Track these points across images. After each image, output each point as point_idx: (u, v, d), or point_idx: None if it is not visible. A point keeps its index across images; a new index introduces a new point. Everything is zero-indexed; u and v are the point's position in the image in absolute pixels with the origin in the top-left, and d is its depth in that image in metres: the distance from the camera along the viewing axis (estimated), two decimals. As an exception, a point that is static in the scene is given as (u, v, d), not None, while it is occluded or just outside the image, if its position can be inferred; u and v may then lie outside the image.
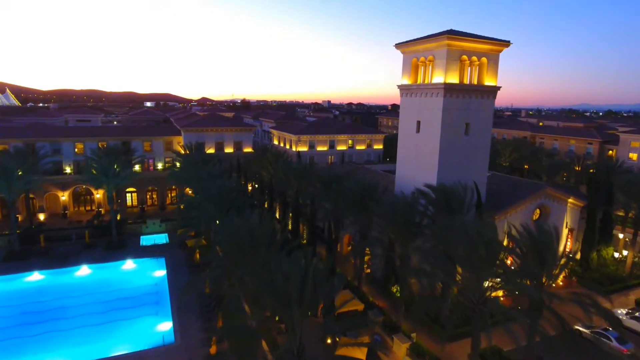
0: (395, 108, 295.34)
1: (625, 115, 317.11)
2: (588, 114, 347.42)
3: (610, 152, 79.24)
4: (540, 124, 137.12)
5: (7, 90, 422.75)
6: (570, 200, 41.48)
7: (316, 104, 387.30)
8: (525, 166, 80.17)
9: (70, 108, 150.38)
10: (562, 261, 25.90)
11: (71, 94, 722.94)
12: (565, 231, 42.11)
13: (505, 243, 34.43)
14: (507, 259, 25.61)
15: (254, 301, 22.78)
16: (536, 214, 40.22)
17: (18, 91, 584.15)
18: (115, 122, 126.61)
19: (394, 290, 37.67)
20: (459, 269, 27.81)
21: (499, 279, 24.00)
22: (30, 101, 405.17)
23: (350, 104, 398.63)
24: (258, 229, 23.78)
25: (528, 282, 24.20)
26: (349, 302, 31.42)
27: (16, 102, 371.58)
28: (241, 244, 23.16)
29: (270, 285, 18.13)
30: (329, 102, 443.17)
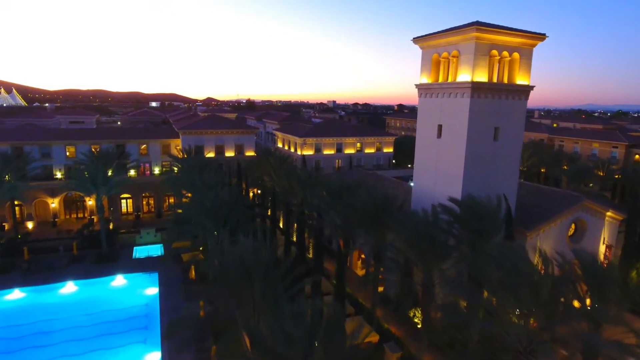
0: (402, 108, 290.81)
1: (636, 115, 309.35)
2: (596, 114, 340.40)
3: (637, 156, 74.29)
4: (555, 125, 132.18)
5: (14, 90, 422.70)
6: (608, 213, 36.98)
7: (321, 104, 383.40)
8: (542, 170, 75.59)
9: (67, 108, 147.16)
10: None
11: (78, 94, 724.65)
12: (602, 248, 37.64)
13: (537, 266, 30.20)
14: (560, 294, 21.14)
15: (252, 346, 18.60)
16: (571, 230, 35.81)
17: (25, 91, 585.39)
18: (119, 122, 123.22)
19: (411, 314, 33.52)
20: (487, 294, 23.75)
21: (549, 321, 19.66)
22: (37, 101, 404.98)
23: (356, 104, 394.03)
24: (252, 257, 19.56)
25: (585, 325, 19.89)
26: (362, 334, 27.19)
27: (22, 102, 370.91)
28: (232, 276, 19.05)
29: (267, 344, 14.08)
30: (334, 102, 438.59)
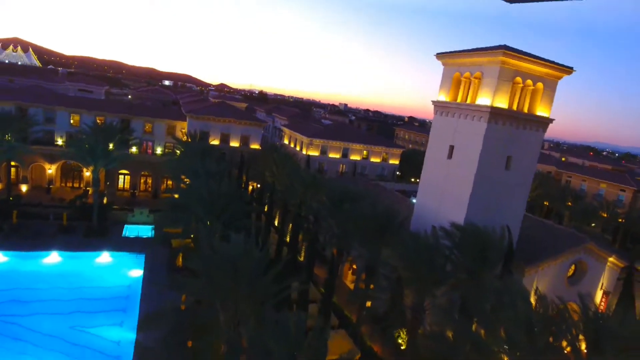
0: (412, 120, 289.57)
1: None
2: (605, 153, 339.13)
3: (644, 202, 73.29)
4: (563, 159, 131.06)
5: (30, 49, 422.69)
6: (610, 259, 36.05)
7: (333, 105, 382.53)
8: (545, 203, 74.59)
9: (80, 74, 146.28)
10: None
11: (92, 62, 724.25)
12: (599, 293, 36.69)
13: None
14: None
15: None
16: (570, 270, 34.87)
17: (41, 52, 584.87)
18: (129, 97, 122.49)
19: (396, 334, 32.54)
20: (475, 327, 22.94)
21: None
22: (52, 64, 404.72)
23: (367, 110, 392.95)
24: (242, 259, 18.66)
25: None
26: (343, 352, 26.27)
27: (37, 63, 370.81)
28: (219, 274, 18.18)
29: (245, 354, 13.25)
30: (345, 105, 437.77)
